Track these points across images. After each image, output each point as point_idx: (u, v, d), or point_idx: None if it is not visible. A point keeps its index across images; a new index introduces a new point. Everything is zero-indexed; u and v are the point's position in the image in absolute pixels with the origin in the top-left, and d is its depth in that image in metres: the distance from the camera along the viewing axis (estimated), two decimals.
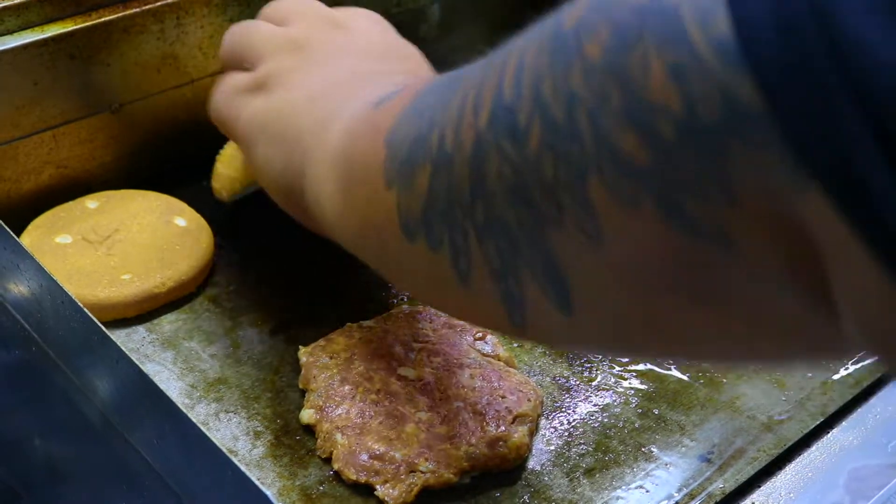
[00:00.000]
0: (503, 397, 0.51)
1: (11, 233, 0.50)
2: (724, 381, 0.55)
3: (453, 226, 0.34)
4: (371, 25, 0.53)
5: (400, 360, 0.53)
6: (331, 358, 0.53)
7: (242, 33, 0.54)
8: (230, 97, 0.52)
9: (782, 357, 0.42)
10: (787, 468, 0.50)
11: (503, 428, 0.50)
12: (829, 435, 0.52)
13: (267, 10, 0.54)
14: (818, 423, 0.53)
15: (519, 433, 0.50)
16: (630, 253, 0.28)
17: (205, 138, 0.67)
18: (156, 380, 0.44)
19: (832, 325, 0.25)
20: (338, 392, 0.51)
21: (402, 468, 0.48)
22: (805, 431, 0.52)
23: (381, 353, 0.53)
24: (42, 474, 0.59)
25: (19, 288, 0.51)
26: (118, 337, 0.55)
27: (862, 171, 0.21)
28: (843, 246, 0.22)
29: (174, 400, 0.43)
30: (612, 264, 0.28)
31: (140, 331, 0.56)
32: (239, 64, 0.52)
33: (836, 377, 0.55)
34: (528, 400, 0.51)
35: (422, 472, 0.47)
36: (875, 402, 0.54)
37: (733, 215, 0.25)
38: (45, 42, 0.59)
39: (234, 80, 0.52)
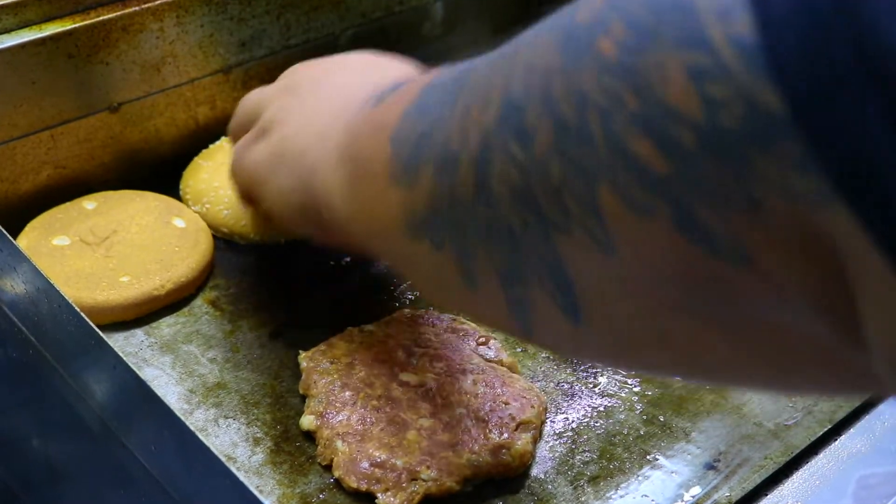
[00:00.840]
0: (506, 404, 0.50)
1: (8, 235, 0.50)
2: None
3: (457, 227, 0.32)
4: (359, 53, 0.53)
5: (402, 366, 0.52)
6: (331, 363, 0.52)
7: (241, 104, 0.56)
8: (239, 156, 0.53)
9: (811, 388, 0.39)
10: (794, 476, 0.50)
11: (506, 435, 0.49)
12: (836, 442, 0.51)
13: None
14: (826, 429, 0.52)
15: (522, 440, 0.49)
16: (641, 264, 0.26)
17: (204, 138, 0.67)
18: (154, 384, 0.44)
19: (864, 355, 0.23)
20: (338, 398, 0.50)
21: (403, 476, 0.47)
22: (812, 438, 0.51)
23: (383, 358, 0.52)
24: (40, 476, 0.59)
25: (16, 290, 0.50)
26: (116, 340, 0.54)
27: (888, 184, 0.20)
28: (868, 264, 0.21)
29: (173, 405, 0.43)
30: (622, 275, 0.27)
31: (139, 334, 0.56)
32: (246, 131, 0.54)
33: None
34: (532, 406, 0.50)
35: (423, 480, 0.47)
36: (883, 408, 0.53)
37: (754, 228, 0.23)
38: (43, 41, 0.58)
39: (241, 141, 0.53)
